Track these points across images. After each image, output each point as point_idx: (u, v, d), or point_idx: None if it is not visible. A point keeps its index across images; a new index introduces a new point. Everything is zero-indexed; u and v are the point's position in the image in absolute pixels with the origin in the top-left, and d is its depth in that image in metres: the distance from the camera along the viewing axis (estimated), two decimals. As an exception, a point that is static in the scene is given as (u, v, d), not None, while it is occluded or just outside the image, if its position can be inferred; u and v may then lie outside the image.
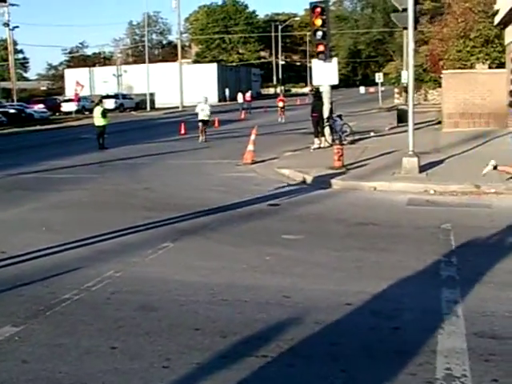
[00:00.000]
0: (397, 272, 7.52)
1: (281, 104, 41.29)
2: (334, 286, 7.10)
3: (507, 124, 25.31)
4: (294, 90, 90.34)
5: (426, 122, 31.50)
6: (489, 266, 7.62)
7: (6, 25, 54.70)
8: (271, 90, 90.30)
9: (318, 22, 21.46)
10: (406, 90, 52.89)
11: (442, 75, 28.55)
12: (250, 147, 19.73)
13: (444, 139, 23.08)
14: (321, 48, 21.79)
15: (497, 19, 26.53)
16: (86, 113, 52.75)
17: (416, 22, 15.32)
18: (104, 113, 27.00)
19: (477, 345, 5.34)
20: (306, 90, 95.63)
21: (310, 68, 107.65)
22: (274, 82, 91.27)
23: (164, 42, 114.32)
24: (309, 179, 15.67)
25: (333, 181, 15.01)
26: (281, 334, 5.73)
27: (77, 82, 48.14)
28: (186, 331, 5.91)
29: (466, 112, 26.39)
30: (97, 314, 6.53)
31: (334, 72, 22.39)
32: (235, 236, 9.87)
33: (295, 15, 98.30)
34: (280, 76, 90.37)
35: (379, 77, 52.85)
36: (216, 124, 36.39)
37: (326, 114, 22.55)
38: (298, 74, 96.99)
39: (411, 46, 15.16)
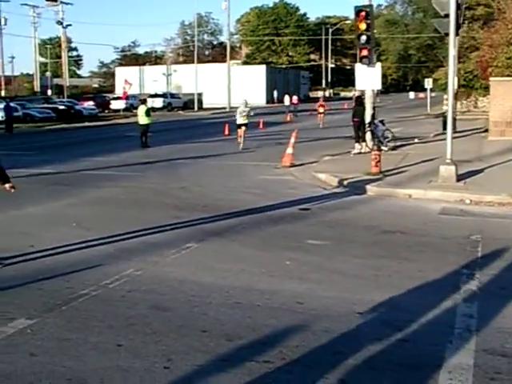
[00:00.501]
0: (415, 282, 7.39)
1: (321, 109, 39.43)
2: (349, 293, 7.02)
3: (555, 134, 24.73)
4: (342, 94, 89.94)
5: (474, 129, 31.01)
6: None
7: (60, 23, 55.89)
8: (320, 93, 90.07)
9: (363, 26, 21.28)
10: (455, 96, 51.97)
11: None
12: (289, 150, 19.68)
13: (488, 148, 22.65)
14: (364, 52, 21.58)
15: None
16: (134, 111, 53.33)
17: (458, 28, 15.07)
18: (148, 112, 27.30)
19: (484, 362, 5.20)
20: (352, 94, 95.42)
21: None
22: (323, 85, 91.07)
23: (215, 42, 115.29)
24: (345, 184, 15.56)
25: (368, 187, 14.86)
26: (286, 340, 5.69)
27: (125, 80, 48.82)
28: (193, 332, 5.92)
29: (514, 121, 25.85)
30: (110, 310, 6.59)
31: (378, 77, 22.14)
32: (260, 239, 9.85)
33: (346, 18, 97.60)
34: (329, 79, 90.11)
35: (428, 82, 52.13)
36: (261, 125, 36.45)
37: (367, 119, 22.36)
38: (347, 78, 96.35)
39: (452, 52, 14.91)
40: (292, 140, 20.06)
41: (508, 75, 28.09)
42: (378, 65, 22.50)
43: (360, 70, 22.09)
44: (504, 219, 11.59)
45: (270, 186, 15.74)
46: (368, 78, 21.98)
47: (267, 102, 75.04)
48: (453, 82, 15.35)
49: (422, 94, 72.45)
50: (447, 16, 14.83)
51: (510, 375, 4.95)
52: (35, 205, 13.12)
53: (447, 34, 14.90)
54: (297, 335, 5.79)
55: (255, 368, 5.11)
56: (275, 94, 71.61)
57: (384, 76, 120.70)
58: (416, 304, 6.63)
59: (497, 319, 6.19)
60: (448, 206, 12.96)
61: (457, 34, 15.01)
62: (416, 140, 26.67)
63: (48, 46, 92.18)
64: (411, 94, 72.70)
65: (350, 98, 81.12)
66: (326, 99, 75.87)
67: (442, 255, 8.72)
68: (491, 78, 27.37)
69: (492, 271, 7.90)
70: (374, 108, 22.89)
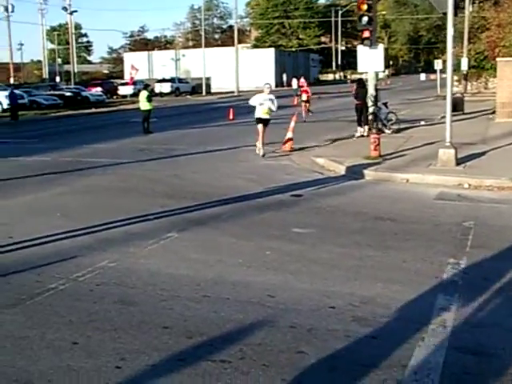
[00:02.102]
0: (396, 274, 7.07)
1: (304, 97, 31.64)
2: (326, 286, 6.69)
3: None
4: (353, 76, 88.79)
5: (482, 111, 30.47)
6: (499, 272, 7.07)
7: (65, 9, 55.57)
8: (330, 76, 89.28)
9: (364, 6, 20.81)
10: (465, 77, 51.29)
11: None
12: (289, 135, 19.32)
13: (494, 130, 22.20)
14: (366, 34, 21.12)
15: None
16: (143, 96, 53.20)
17: (456, 7, 14.58)
18: (149, 97, 26.98)
19: (454, 361, 4.88)
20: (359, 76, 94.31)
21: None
22: (334, 68, 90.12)
23: (224, 26, 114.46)
24: (342, 169, 15.21)
25: (365, 171, 14.50)
26: (249, 337, 5.39)
27: (132, 65, 48.44)
28: (154, 329, 5.64)
29: (522, 102, 25.34)
30: (74, 305, 6.33)
31: (380, 59, 21.65)
32: (244, 228, 9.55)
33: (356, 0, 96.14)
34: (339, 62, 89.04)
35: (438, 64, 51.44)
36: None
37: (370, 102, 21.94)
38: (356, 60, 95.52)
39: (450, 32, 14.44)
40: (292, 124, 19.70)
41: (516, 55, 27.50)
42: (381, 46, 22.01)
43: (362, 51, 21.65)
44: (501, 204, 11.21)
45: (267, 171, 15.43)
46: (370, 60, 21.51)
47: (276, 86, 74.22)
48: (452, 63, 14.87)
49: (433, 76, 71.47)
50: (446, -6, 14.33)
51: (478, 376, 4.63)
52: (24, 194, 12.90)
53: (445, 14, 14.41)
54: (261, 331, 5.50)
55: (210, 368, 4.82)
56: (284, 77, 71.06)
57: (395, 58, 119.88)
58: (393, 298, 6.30)
59: (475, 313, 5.86)
60: (445, 190, 12.59)
61: (455, 13, 14.53)
62: (422, 122, 26.22)
63: (56, 33, 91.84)
64: (422, 76, 71.78)
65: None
66: (337, 82, 73.60)
67: (430, 244, 8.37)
68: (498, 59, 26.81)
69: (479, 261, 7.56)
70: (376, 90, 22.44)
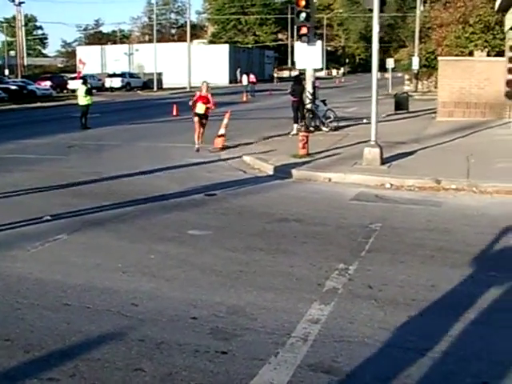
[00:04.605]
0: (278, 280, 6.70)
1: (201, 109, 18.24)
2: (196, 294, 6.26)
3: (503, 115, 24.31)
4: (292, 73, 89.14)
5: (427, 110, 30.50)
6: (389, 278, 6.76)
7: (12, 0, 54.28)
8: (285, 73, 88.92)
9: (302, 3, 20.62)
10: (416, 76, 51.55)
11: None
12: (222, 131, 18.93)
13: (432, 129, 22.14)
14: (304, 30, 20.93)
15: (497, 4, 25.43)
16: (94, 91, 52.36)
17: (383, 4, 14.35)
18: (88, 92, 26.34)
19: (300, 380, 4.50)
20: (322, 73, 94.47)
21: (327, 51, 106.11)
22: (289, 65, 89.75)
23: (182, 21, 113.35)
24: (268, 168, 14.87)
25: (290, 170, 14.20)
26: (91, 351, 4.96)
27: (79, 59, 47.54)
28: (-6, 343, 5.20)
29: (462, 101, 25.37)
30: None
31: (318, 55, 21.52)
32: (140, 229, 9.09)
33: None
34: (295, 59, 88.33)
35: (389, 62, 51.69)
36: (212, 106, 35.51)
37: (307, 99, 21.74)
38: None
39: (376, 29, 14.19)
40: (225, 121, 19.29)
41: (457, 55, 27.56)
42: (319, 43, 21.83)
43: (300, 48, 21.44)
44: (417, 205, 10.97)
45: (191, 169, 15.00)
46: (308, 57, 21.35)
47: (230, 82, 73.89)
48: (377, 61, 14.63)
49: (387, 74, 71.86)
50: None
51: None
52: None
53: (371, 10, 14.16)
54: (106, 345, 5.08)
55: (32, 389, 4.41)
56: (238, 73, 70.61)
57: (352, 56, 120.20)
58: (264, 307, 5.92)
59: (344, 325, 5.51)
60: (365, 190, 12.33)
61: (381, 10, 14.28)
62: (364, 120, 26.03)
63: (5, 25, 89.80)
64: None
65: (317, 78, 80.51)
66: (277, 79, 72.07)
67: (326, 247, 8.04)
68: (440, 58, 26.82)
69: (370, 266, 7.22)
70: (314, 87, 22.23)
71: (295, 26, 21.62)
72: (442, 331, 5.42)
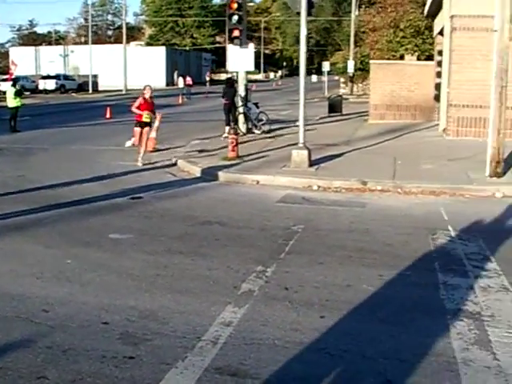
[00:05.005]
0: (194, 283, 6.64)
1: (147, 118, 16.07)
2: (110, 299, 6.15)
3: (432, 117, 24.86)
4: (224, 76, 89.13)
5: (360, 112, 30.94)
6: (305, 280, 6.79)
7: None
8: (223, 76, 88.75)
9: (234, 5, 20.62)
10: (351, 79, 52.26)
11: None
12: (153, 134, 18.71)
13: (363, 131, 22.46)
14: (236, 33, 20.92)
15: (426, 9, 26.03)
16: (27, 93, 51.29)
17: (310, 6, 14.47)
18: (18, 94, 25.72)
19: (212, 382, 4.47)
20: (260, 76, 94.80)
21: (265, 54, 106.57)
22: (227, 68, 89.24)
23: (119, 23, 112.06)
24: (197, 171, 14.81)
25: (218, 173, 14.16)
26: (-6, 361, 4.84)
27: (11, 61, 46.57)
28: None
29: (393, 104, 25.86)
30: None
31: (250, 58, 21.49)
32: (59, 234, 8.89)
33: (251, 0, 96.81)
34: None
35: (326, 66, 52.31)
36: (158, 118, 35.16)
37: (240, 101, 21.75)
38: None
39: (303, 32, 14.32)
40: (156, 123, 19.08)
41: (388, 58, 28.07)
42: (251, 46, 21.93)
43: (232, 51, 21.42)
44: (342, 207, 11.07)
45: (119, 172, 14.78)
46: (240, 60, 21.30)
47: (167, 85, 73.43)
48: (304, 64, 14.80)
49: (324, 78, 72.71)
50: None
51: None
52: None
53: (299, 13, 14.25)
54: (13, 353, 4.90)
55: None
56: (175, 76, 70.26)
57: (290, 59, 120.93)
58: (177, 311, 5.85)
59: (255, 328, 5.49)
60: (292, 192, 12.39)
61: (309, 13, 14.40)
62: (297, 123, 26.23)
63: None
64: (314, 77, 72.68)
65: (255, 81, 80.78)
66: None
67: (246, 250, 8.03)
68: (371, 61, 27.27)
69: (287, 268, 7.24)
70: (246, 90, 22.26)
71: (228, 29, 21.54)
72: (353, 331, 5.47)
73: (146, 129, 16.18)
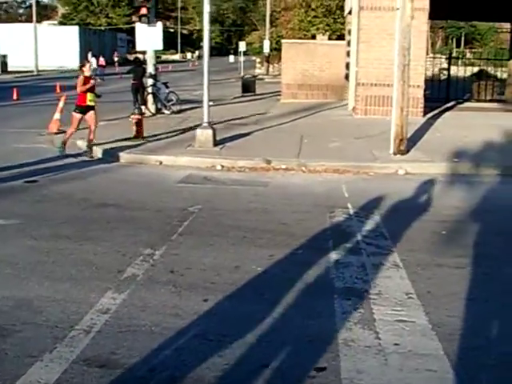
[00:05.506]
0: (77, 269, 6.31)
1: (92, 101, 13.91)
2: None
3: (344, 96, 25.02)
4: (164, 57, 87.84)
5: (274, 92, 30.88)
6: (193, 262, 6.58)
7: None
8: (140, 56, 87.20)
9: (141, -17, 20.13)
10: (267, 59, 52.19)
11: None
12: (57, 116, 18.10)
13: (274, 110, 22.41)
14: (143, 11, 20.56)
15: (336, -11, 26.10)
16: None
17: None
18: None
19: (72, 376, 4.19)
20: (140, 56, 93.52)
21: (182, 34, 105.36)
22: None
23: (31, 1, 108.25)
24: (99, 152, 14.34)
25: (120, 154, 13.75)
26: None
27: None
28: None
29: (305, 83, 25.89)
30: None
31: (159, 37, 21.01)
32: None
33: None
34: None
35: (242, 46, 51.99)
36: (57, 89, 34.12)
37: (149, 81, 21.31)
38: (170, 41, 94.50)
39: (206, 9, 14.04)
40: (60, 104, 18.46)
41: (300, 38, 28.05)
42: (159, 24, 21.35)
43: (140, 29, 20.88)
44: (243, 186, 10.91)
45: (19, 155, 14.15)
46: (149, 38, 20.80)
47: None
48: (208, 43, 14.53)
49: (242, 58, 72.51)
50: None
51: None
52: None
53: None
54: None
55: None
56: (89, 56, 68.45)
57: (210, 39, 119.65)
58: (53, 299, 5.49)
59: (134, 314, 5.22)
60: (194, 173, 12.14)
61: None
62: (211, 103, 25.93)
63: None
64: (231, 58, 72.41)
65: (173, 61, 79.76)
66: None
67: (138, 232, 7.74)
68: (283, 41, 27.21)
69: (177, 251, 7.01)
70: (156, 69, 21.81)
71: (135, 6, 21.03)
72: (236, 314, 5.31)
73: (90, 114, 13.91)
